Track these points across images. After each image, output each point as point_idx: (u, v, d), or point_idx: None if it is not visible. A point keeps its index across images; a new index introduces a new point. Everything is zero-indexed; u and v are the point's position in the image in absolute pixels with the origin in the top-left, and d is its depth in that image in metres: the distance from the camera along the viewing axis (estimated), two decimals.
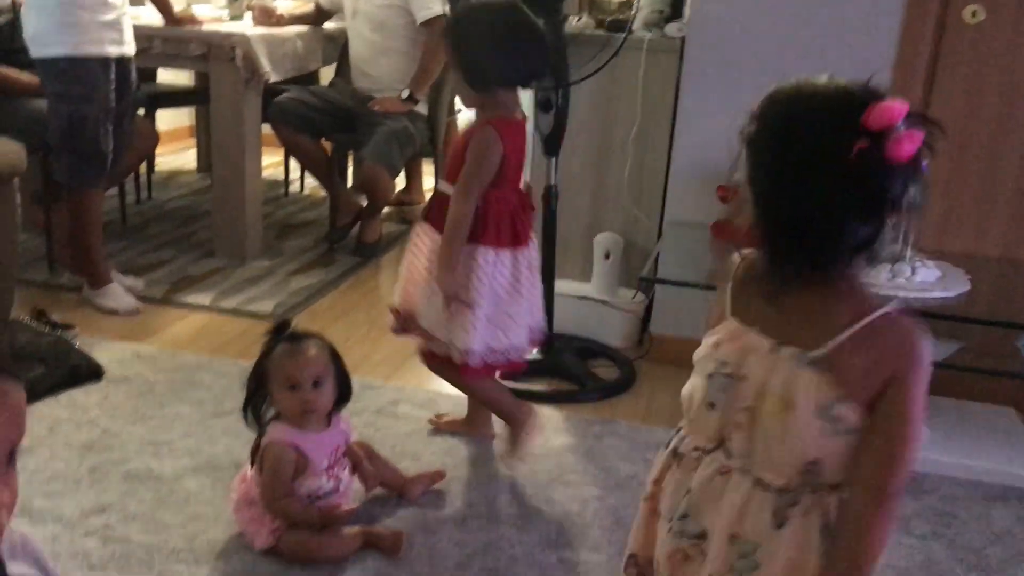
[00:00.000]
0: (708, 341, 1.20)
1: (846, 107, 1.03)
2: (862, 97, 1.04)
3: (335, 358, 1.95)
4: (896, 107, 1.02)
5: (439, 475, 2.16)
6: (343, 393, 1.97)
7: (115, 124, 2.99)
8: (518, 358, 2.20)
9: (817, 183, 1.04)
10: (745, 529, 1.15)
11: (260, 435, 1.91)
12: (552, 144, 2.69)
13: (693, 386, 1.20)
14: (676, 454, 1.24)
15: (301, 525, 1.85)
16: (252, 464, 1.92)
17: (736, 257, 1.21)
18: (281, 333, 1.92)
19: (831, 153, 1.02)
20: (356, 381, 2.06)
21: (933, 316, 2.32)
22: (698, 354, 1.20)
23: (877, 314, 1.09)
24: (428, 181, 4.59)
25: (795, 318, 1.12)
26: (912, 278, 2.34)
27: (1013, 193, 2.64)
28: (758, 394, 1.12)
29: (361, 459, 2.02)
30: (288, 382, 1.86)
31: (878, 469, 1.09)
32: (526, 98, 2.82)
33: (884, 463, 1.09)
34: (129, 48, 3.00)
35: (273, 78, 3.53)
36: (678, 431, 1.26)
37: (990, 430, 2.54)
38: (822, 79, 1.09)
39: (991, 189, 2.65)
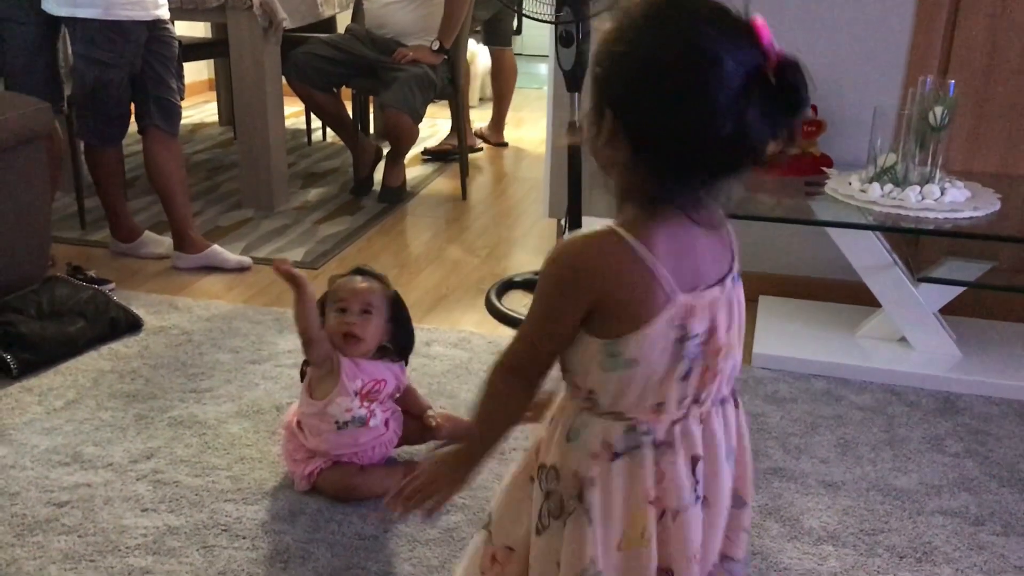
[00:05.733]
0: (658, 327, 1.05)
1: (737, 20, 0.96)
2: (736, 12, 0.97)
3: (397, 307, 1.97)
4: (762, 23, 0.97)
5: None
6: (403, 343, 1.99)
7: (153, 83, 2.99)
8: None
9: (735, 101, 0.95)
10: (731, 440, 1.19)
11: None
12: (573, 80, 2.67)
13: (646, 378, 1.07)
14: (657, 445, 1.11)
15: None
16: (303, 380, 1.97)
17: (622, 244, 1.04)
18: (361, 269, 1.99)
19: (745, 68, 0.94)
20: None
21: (964, 236, 2.32)
22: (642, 343, 1.05)
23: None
24: (446, 124, 4.59)
25: (707, 245, 1.10)
26: (942, 199, 2.32)
27: None
28: (727, 331, 1.11)
29: (417, 410, 2.05)
30: (338, 304, 1.90)
31: None
32: (546, 33, 2.80)
33: None
34: (163, 11, 2.96)
35: (289, 24, 3.51)
36: (631, 429, 1.11)
37: (1022, 348, 2.54)
38: None
39: (1019, 107, 2.60)
